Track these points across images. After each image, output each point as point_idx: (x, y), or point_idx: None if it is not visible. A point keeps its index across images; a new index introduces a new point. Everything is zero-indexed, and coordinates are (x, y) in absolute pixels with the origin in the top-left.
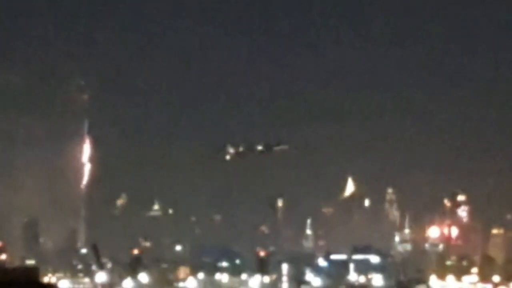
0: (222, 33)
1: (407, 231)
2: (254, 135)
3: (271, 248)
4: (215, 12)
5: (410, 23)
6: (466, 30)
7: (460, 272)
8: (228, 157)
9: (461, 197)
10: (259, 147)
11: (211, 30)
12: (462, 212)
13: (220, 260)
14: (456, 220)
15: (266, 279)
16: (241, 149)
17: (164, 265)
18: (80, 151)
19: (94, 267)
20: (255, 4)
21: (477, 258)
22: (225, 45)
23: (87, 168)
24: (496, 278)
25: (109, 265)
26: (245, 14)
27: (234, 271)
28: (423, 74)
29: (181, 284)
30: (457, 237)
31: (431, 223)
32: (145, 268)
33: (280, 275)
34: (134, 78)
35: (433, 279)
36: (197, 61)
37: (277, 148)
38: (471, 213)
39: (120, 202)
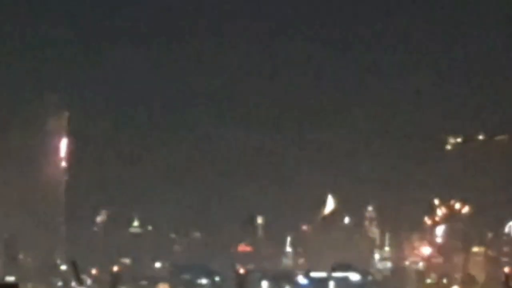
0: None
1: (387, 249)
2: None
3: (251, 266)
4: None
5: None
6: None
7: None
8: (449, 147)
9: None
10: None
11: None
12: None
13: (199, 277)
14: (436, 238)
15: None
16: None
17: (144, 282)
18: (59, 168)
19: (73, 284)
20: None
21: (457, 276)
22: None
23: (66, 185)
24: None
25: (88, 282)
26: None
27: None
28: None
29: None
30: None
31: (411, 241)
32: (124, 284)
33: None
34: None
35: None
36: None
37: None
38: (451, 231)
39: (99, 219)
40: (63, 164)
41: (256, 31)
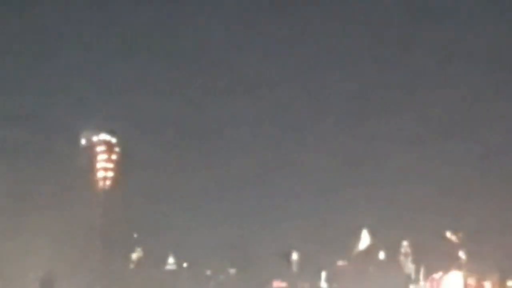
0: None
1: (422, 283)
2: None
3: None
4: None
5: None
6: None
7: None
8: None
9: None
10: None
11: None
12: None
13: None
14: (471, 272)
15: None
16: None
17: None
18: (95, 207)
19: None
20: None
21: None
22: None
23: (102, 222)
24: None
25: None
26: None
27: None
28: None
29: None
30: None
31: (445, 275)
32: None
33: None
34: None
35: None
36: None
37: None
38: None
39: (135, 256)
40: (98, 202)
41: None
